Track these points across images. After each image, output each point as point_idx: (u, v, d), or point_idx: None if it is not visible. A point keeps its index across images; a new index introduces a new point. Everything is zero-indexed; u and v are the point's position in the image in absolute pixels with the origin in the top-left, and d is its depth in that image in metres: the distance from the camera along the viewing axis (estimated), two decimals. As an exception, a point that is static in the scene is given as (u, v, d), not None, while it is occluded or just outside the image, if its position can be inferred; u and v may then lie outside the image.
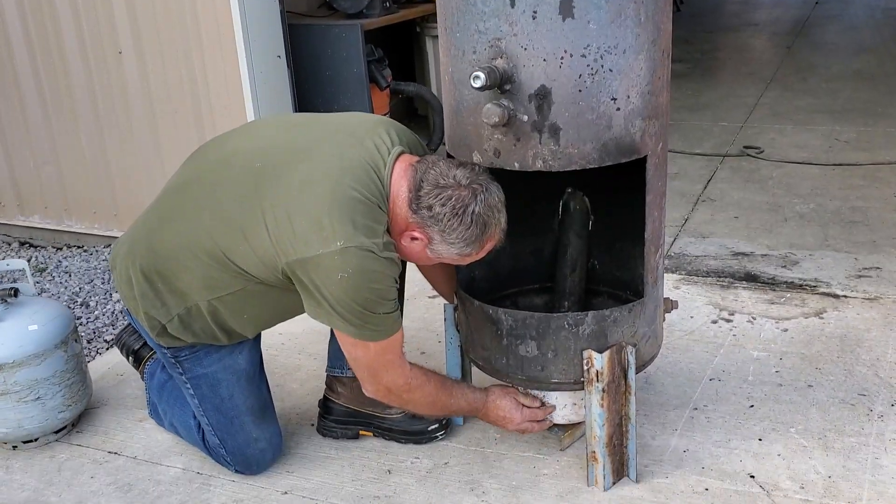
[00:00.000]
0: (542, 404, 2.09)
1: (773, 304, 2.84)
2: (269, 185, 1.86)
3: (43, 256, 4.14)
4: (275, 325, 2.13)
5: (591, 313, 1.90)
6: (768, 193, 3.87)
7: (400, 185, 1.85)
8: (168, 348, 2.07)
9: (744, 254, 3.24)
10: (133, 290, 2.02)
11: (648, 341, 2.01)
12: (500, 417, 2.09)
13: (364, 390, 2.00)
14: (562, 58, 1.68)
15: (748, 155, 4.44)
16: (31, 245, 4.39)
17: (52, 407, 2.31)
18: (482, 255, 1.90)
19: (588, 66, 1.69)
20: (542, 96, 1.71)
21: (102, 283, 3.66)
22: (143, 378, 2.47)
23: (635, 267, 2.22)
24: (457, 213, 1.79)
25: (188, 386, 2.11)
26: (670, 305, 2.14)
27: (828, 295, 2.88)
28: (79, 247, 4.24)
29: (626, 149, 1.78)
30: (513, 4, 1.66)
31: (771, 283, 2.98)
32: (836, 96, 5.64)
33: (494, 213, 1.83)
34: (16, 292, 2.33)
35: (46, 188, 4.25)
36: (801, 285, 2.96)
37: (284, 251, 1.81)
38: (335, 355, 2.26)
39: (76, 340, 2.40)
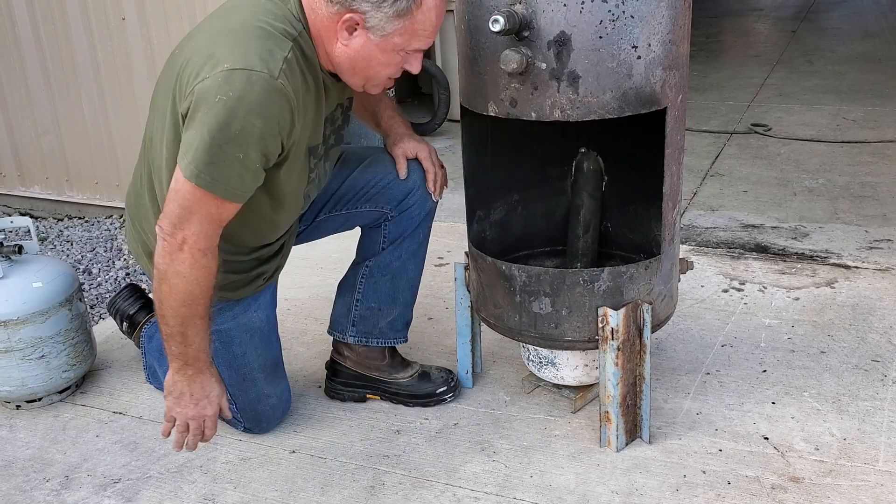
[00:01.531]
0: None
1: (784, 274, 2.82)
2: (181, 52, 1.75)
3: (44, 227, 4.11)
4: (250, 238, 1.92)
5: (607, 269, 1.87)
6: (777, 169, 3.84)
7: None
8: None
9: (753, 226, 3.21)
10: (134, 227, 2.00)
11: (664, 300, 1.98)
12: (171, 392, 1.85)
13: (157, 228, 1.71)
14: (582, 2, 1.64)
15: (756, 132, 4.41)
16: (31, 216, 4.34)
17: (57, 366, 2.28)
18: (431, 16, 1.69)
19: (609, 11, 1.65)
20: (562, 43, 1.67)
21: (105, 252, 3.62)
22: (138, 344, 2.43)
23: (648, 229, 2.19)
24: None
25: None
26: (686, 266, 2.10)
27: (839, 266, 2.85)
28: (80, 217, 4.20)
29: (646, 99, 1.74)
30: (533, -54, 1.62)
31: (781, 254, 2.96)
32: (843, 78, 5.60)
33: None
34: (20, 249, 2.29)
35: (48, 158, 4.21)
36: (811, 256, 2.93)
37: (186, 91, 1.65)
38: (337, 319, 2.23)
39: (80, 300, 2.36)
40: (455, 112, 4.82)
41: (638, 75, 1.71)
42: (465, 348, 2.23)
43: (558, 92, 1.71)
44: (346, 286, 2.21)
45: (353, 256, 2.23)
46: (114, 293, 2.50)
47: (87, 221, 4.12)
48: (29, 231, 2.38)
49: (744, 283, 2.76)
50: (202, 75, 1.64)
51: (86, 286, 3.25)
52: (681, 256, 2.09)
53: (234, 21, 1.73)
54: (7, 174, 4.37)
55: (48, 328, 2.25)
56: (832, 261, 2.89)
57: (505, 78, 1.74)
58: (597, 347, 1.92)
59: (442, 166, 2.15)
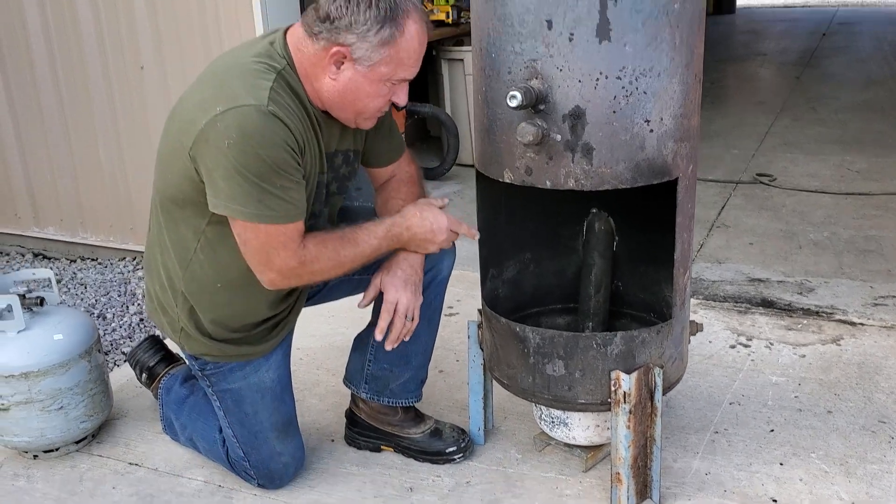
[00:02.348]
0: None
1: (790, 330, 2.85)
2: (178, 104, 1.86)
3: (57, 268, 4.16)
4: (257, 297, 1.97)
5: (619, 334, 1.91)
6: (782, 221, 3.90)
7: (296, 33, 1.81)
8: (196, 359, 2.07)
9: (760, 280, 3.25)
10: (152, 286, 2.07)
11: (675, 363, 2.01)
12: (428, 230, 1.95)
13: (261, 282, 1.87)
14: (597, 79, 1.70)
15: (761, 182, 4.47)
16: (45, 256, 4.41)
17: (75, 417, 2.31)
18: (414, 43, 1.76)
19: (623, 87, 1.71)
20: (577, 116, 1.73)
21: (119, 296, 3.67)
22: (156, 395, 2.47)
23: (659, 289, 2.24)
24: (352, 1, 1.70)
25: (214, 398, 2.11)
26: (695, 328, 2.15)
27: (844, 322, 2.89)
28: (93, 259, 4.26)
29: (658, 170, 1.80)
30: (550, 26, 1.68)
31: (787, 310, 2.99)
32: (846, 127, 5.69)
33: None
34: (42, 301, 2.34)
35: (63, 200, 4.28)
36: (817, 312, 2.97)
37: (186, 143, 1.74)
38: (352, 373, 2.26)
39: (99, 351, 2.41)
40: (464, 157, 4.90)
41: (650, 147, 1.77)
42: (478, 406, 2.27)
43: (573, 162, 1.77)
44: (360, 343, 2.25)
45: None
46: (135, 345, 2.54)
47: (100, 263, 4.17)
48: (50, 282, 2.43)
49: (751, 339, 2.80)
50: (199, 122, 1.72)
51: (100, 330, 3.29)
52: (690, 319, 2.13)
53: (220, 65, 1.85)
54: (22, 215, 4.44)
55: (68, 380, 2.28)
56: (837, 317, 2.92)
57: (521, 147, 1.80)
58: (609, 410, 1.95)
59: (412, 318, 2.03)
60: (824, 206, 4.08)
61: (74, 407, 2.31)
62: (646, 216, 2.10)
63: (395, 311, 1.99)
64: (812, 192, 4.29)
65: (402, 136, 2.27)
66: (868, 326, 2.85)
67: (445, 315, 3.06)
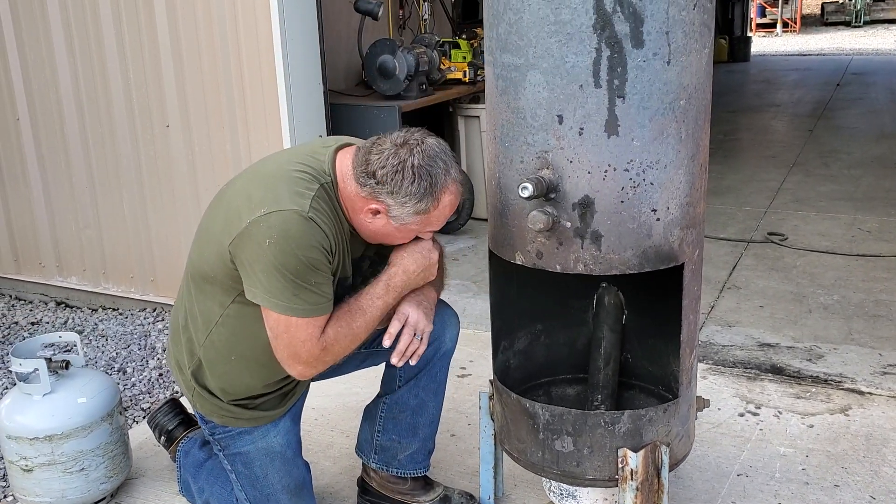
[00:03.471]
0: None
1: (798, 398, 2.89)
2: (226, 191, 2.00)
3: (79, 318, 4.25)
4: (265, 374, 2.07)
5: (627, 412, 1.96)
6: (792, 283, 3.94)
7: (344, 164, 1.94)
8: (206, 422, 2.14)
9: (769, 345, 3.29)
10: (173, 346, 2.17)
11: (681, 440, 2.06)
12: (420, 258, 2.02)
13: (292, 375, 1.98)
14: (605, 171, 1.78)
15: (772, 242, 4.52)
16: (67, 305, 4.50)
17: (95, 478, 2.38)
18: (445, 211, 1.91)
19: (630, 179, 1.78)
20: (586, 205, 1.80)
21: (139, 350, 3.74)
22: (173, 458, 2.53)
23: (667, 363, 2.28)
24: (398, 171, 1.83)
25: (225, 461, 2.18)
26: (702, 404, 2.19)
27: (853, 391, 2.92)
28: (114, 309, 4.35)
29: (664, 256, 1.86)
30: (561, 121, 1.76)
31: (796, 377, 3.03)
32: (858, 183, 5.74)
33: (437, 162, 1.86)
34: (67, 365, 2.42)
35: (87, 251, 4.38)
36: (826, 380, 3.00)
37: (228, 233, 1.88)
38: (362, 443, 2.33)
39: (121, 413, 2.48)
40: (479, 211, 4.98)
41: (657, 235, 1.84)
42: (488, 475, 2.31)
43: (582, 248, 1.84)
44: (369, 414, 2.31)
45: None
46: (155, 409, 2.61)
47: (121, 314, 4.26)
48: (76, 345, 2.51)
49: (759, 407, 2.84)
50: (244, 219, 1.86)
51: (120, 386, 3.36)
52: (697, 395, 2.18)
53: (270, 166, 2.00)
54: (46, 264, 4.54)
55: (90, 442, 2.35)
56: (846, 385, 2.95)
57: (532, 232, 1.87)
58: (616, 486, 1.99)
59: (423, 337, 2.09)
60: (835, 267, 4.12)
61: (95, 468, 2.37)
62: (655, 291, 2.15)
63: (406, 322, 2.04)
64: (823, 252, 4.33)
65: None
66: (876, 396, 2.88)
67: (458, 377, 3.12)
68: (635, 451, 1.95)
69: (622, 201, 1.80)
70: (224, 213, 1.95)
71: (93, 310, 4.39)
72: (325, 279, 1.89)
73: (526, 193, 1.75)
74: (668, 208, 1.83)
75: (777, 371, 3.08)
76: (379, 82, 4.43)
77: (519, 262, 1.94)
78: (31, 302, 4.59)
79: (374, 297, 2.00)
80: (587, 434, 1.97)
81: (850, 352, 3.20)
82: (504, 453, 2.31)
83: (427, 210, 1.88)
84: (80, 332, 4.02)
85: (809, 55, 15.48)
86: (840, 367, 3.08)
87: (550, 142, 1.79)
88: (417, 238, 2.03)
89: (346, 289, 2.05)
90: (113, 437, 2.42)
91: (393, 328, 2.03)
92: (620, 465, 1.96)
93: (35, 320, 4.28)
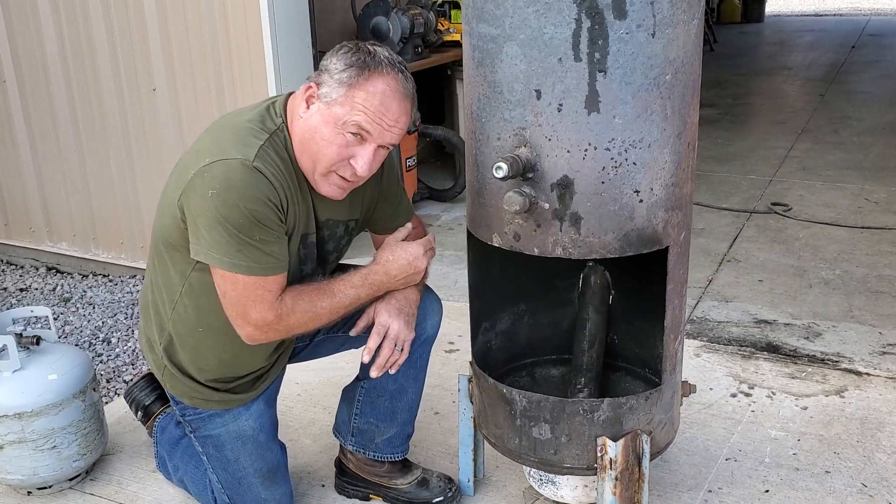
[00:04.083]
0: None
1: (793, 378, 2.81)
2: (183, 154, 1.93)
3: (69, 284, 4.20)
4: (236, 347, 1.95)
5: (606, 400, 1.89)
6: (794, 256, 3.84)
7: (296, 97, 1.87)
8: (178, 402, 2.09)
9: (766, 322, 3.21)
10: (144, 323, 2.11)
11: (664, 428, 1.99)
12: (405, 265, 1.96)
13: (241, 337, 1.88)
14: (585, 150, 1.68)
15: (775, 213, 4.41)
16: (58, 271, 4.45)
17: (68, 456, 2.33)
18: (375, 101, 1.76)
19: (612, 158, 1.68)
20: (564, 186, 1.71)
21: (125, 319, 3.69)
22: (150, 434, 2.48)
23: (654, 345, 2.20)
24: (339, 50, 1.81)
25: (196, 443, 2.12)
26: (688, 389, 2.11)
27: (850, 371, 2.83)
28: (104, 275, 4.29)
29: (647, 239, 1.77)
30: (539, 96, 1.66)
31: (792, 356, 2.95)
32: (868, 151, 5.59)
33: (380, 54, 1.79)
34: (38, 340, 2.36)
35: (76, 216, 4.31)
36: (822, 359, 2.92)
37: (178, 189, 1.81)
38: (340, 424, 2.27)
39: (94, 389, 2.42)
40: (476, 178, 4.88)
41: (640, 217, 1.74)
42: (468, 457, 2.25)
43: (560, 231, 1.75)
44: (347, 396, 2.25)
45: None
46: (132, 383, 2.55)
47: (111, 281, 4.20)
48: (48, 320, 2.44)
49: (752, 388, 2.76)
50: (190, 171, 1.79)
51: (103, 357, 3.32)
52: (683, 380, 2.10)
53: (221, 122, 1.93)
54: (36, 229, 4.48)
55: (61, 419, 2.30)
56: (843, 365, 2.87)
57: (509, 213, 1.78)
58: (595, 474, 1.93)
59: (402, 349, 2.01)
60: (839, 240, 4.01)
61: (67, 446, 2.32)
62: (642, 270, 2.06)
63: (385, 335, 1.98)
64: (827, 224, 4.22)
65: (410, 203, 2.28)
66: (874, 377, 2.80)
67: (445, 352, 3.05)
68: (615, 439, 1.88)
69: (603, 182, 1.70)
70: (177, 172, 1.88)
71: (83, 276, 4.34)
72: (273, 237, 1.79)
73: (500, 174, 1.66)
74: (652, 189, 1.74)
75: (773, 349, 3.00)
76: (373, 45, 4.30)
77: (496, 245, 1.85)
78: (21, 267, 4.54)
79: (347, 286, 1.92)
80: (565, 422, 1.90)
81: (849, 330, 3.11)
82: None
83: (353, 82, 1.76)
84: (67, 300, 3.98)
85: (826, 16, 15.12)
86: (838, 346, 3.00)
87: (528, 118, 1.69)
88: (410, 244, 1.98)
89: (310, 247, 1.97)
90: (86, 413, 2.37)
91: (372, 342, 1.96)
92: (599, 455, 1.89)
93: (24, 286, 4.23)
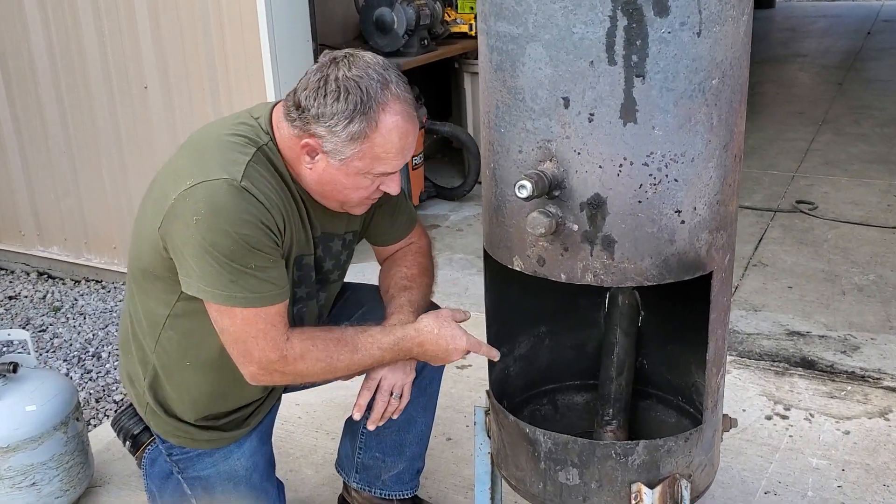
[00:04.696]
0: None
1: (832, 398, 2.61)
2: (160, 171, 1.72)
3: (60, 291, 4.01)
4: (228, 381, 1.78)
5: (642, 443, 1.69)
6: (823, 259, 3.63)
7: (279, 109, 1.66)
8: (164, 442, 1.90)
9: (799, 333, 3.00)
10: (123, 356, 1.92)
11: (704, 470, 1.79)
12: (443, 350, 1.74)
13: (245, 377, 1.68)
14: (620, 165, 1.47)
15: (801, 211, 4.19)
16: (49, 276, 4.27)
17: (49, 493, 2.15)
18: (392, 138, 1.58)
19: (650, 175, 1.48)
20: (596, 206, 1.50)
21: (117, 331, 3.50)
22: (139, 465, 2.28)
23: (688, 371, 2.01)
24: (320, 88, 1.54)
25: (184, 484, 1.93)
26: (729, 424, 1.91)
27: (893, 390, 2.63)
28: (97, 281, 4.11)
29: (689, 265, 1.57)
30: (567, 105, 1.46)
31: (829, 372, 2.75)
32: (893, 144, 5.37)
33: (370, 73, 1.55)
34: (15, 367, 2.17)
35: (67, 220, 4.13)
36: (862, 376, 2.72)
37: (157, 216, 1.60)
38: (343, 458, 2.08)
39: (78, 419, 2.24)
40: (485, 176, 4.67)
41: (681, 240, 1.54)
42: (484, 496, 2.05)
43: (591, 255, 1.54)
44: (350, 428, 2.06)
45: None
46: (119, 410, 2.36)
47: (103, 287, 4.02)
48: (27, 344, 2.26)
49: (789, 409, 2.56)
50: (170, 195, 1.59)
51: (93, 374, 3.13)
52: (723, 413, 1.90)
53: (201, 135, 1.71)
54: (27, 233, 4.30)
55: (41, 454, 2.12)
56: (886, 383, 2.67)
57: (533, 236, 1.58)
58: (628, 522, 1.73)
59: (400, 395, 1.83)
60: (870, 241, 3.80)
61: (48, 482, 2.14)
62: (675, 289, 1.86)
63: (378, 388, 1.79)
64: (856, 224, 4.00)
65: (413, 209, 2.07)
66: (919, 396, 2.60)
67: (457, 368, 2.86)
68: (651, 486, 1.68)
69: (640, 201, 1.49)
70: (154, 196, 1.68)
71: (75, 282, 4.15)
72: (270, 262, 1.60)
73: (524, 193, 1.45)
74: (695, 208, 1.53)
75: (808, 365, 2.79)
76: (376, 38, 4.09)
77: (517, 268, 1.65)
78: (12, 272, 4.36)
79: (374, 345, 1.71)
80: (595, 466, 1.70)
81: (889, 342, 2.91)
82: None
83: (364, 134, 1.55)
84: (58, 309, 3.79)
85: (838, 0, 14.83)
86: (878, 361, 2.79)
87: (554, 129, 1.48)
88: (458, 329, 1.76)
89: (305, 268, 1.78)
90: (68, 446, 2.18)
91: (363, 399, 1.76)
92: (634, 502, 1.69)
93: (13, 294, 4.04)
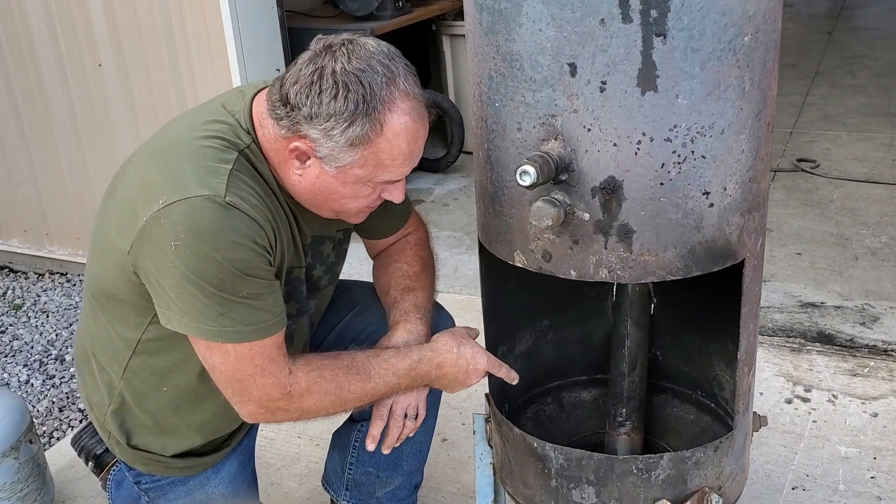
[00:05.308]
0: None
1: (855, 375, 2.42)
2: (121, 175, 1.47)
3: (21, 287, 3.76)
4: (211, 407, 1.58)
5: (666, 456, 1.48)
6: (831, 221, 3.43)
7: (261, 101, 1.41)
8: (130, 469, 1.68)
9: (813, 304, 2.81)
10: (81, 378, 1.70)
11: (735, 479, 1.59)
12: (462, 373, 1.56)
13: (241, 416, 1.47)
14: (639, 142, 1.25)
15: (803, 170, 3.99)
16: (11, 270, 4.01)
17: (2, 525, 1.93)
18: (399, 141, 1.34)
19: (674, 152, 1.25)
20: (611, 190, 1.28)
21: (82, 330, 3.27)
22: (104, 487, 2.07)
23: (706, 363, 1.82)
24: (313, 83, 1.29)
25: (155, 515, 1.72)
26: (759, 423, 1.72)
27: (920, 364, 2.45)
28: (62, 274, 3.86)
29: (718, 253, 1.35)
30: (574, 72, 1.22)
31: (850, 347, 2.56)
32: (891, 95, 5.16)
33: (374, 65, 1.30)
34: (-44, 389, 1.94)
35: (24, 211, 3.86)
36: (885, 350, 2.53)
37: (125, 237, 1.36)
38: (331, 474, 1.87)
39: (31, 441, 2.01)
40: (471, 145, 4.43)
41: (709, 226, 1.32)
42: (487, 511, 1.86)
43: (605, 248, 1.32)
44: (339, 442, 1.84)
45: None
46: (80, 428, 2.14)
47: (68, 280, 3.77)
48: (-30, 360, 2.02)
49: (809, 390, 2.37)
50: (140, 214, 1.33)
51: (56, 380, 2.89)
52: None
53: (169, 136, 1.44)
54: (-17, 226, 4.03)
55: (-10, 484, 1.89)
56: (911, 357, 2.49)
57: (536, 227, 1.35)
58: (652, 543, 1.53)
59: (415, 416, 1.63)
60: (878, 199, 3.60)
61: (1, 515, 1.92)
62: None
63: (390, 413, 1.58)
64: (862, 181, 3.80)
65: (407, 195, 1.82)
66: (948, 370, 2.42)
67: (449, 358, 2.64)
68: (678, 503, 1.48)
69: (662, 183, 1.27)
70: (118, 209, 1.42)
71: (39, 275, 3.90)
72: (264, 287, 1.36)
73: (527, 181, 1.23)
74: (725, 188, 1.31)
75: (826, 339, 2.60)
76: (347, 1, 3.81)
77: (520, 264, 1.43)
78: (-30, 267, 4.09)
79: (388, 371, 1.50)
80: (614, 483, 1.50)
81: (909, 311, 2.73)
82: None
83: (367, 139, 1.31)
84: (19, 307, 3.54)
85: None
86: (901, 333, 2.61)
87: (560, 102, 1.25)
88: (479, 348, 1.57)
89: (294, 282, 1.55)
90: (21, 473, 1.96)
91: (376, 430, 1.56)
92: (659, 522, 1.50)
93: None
